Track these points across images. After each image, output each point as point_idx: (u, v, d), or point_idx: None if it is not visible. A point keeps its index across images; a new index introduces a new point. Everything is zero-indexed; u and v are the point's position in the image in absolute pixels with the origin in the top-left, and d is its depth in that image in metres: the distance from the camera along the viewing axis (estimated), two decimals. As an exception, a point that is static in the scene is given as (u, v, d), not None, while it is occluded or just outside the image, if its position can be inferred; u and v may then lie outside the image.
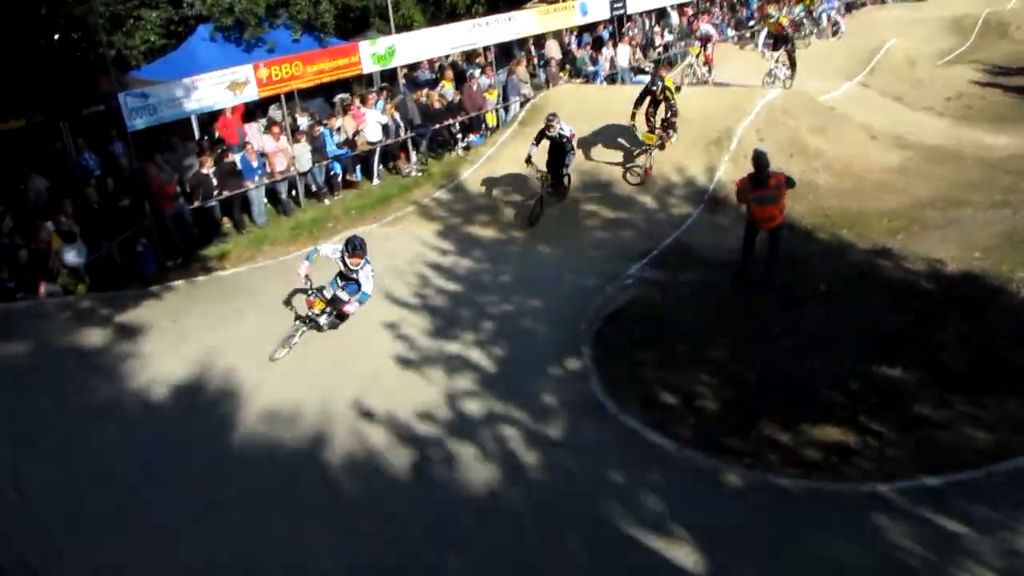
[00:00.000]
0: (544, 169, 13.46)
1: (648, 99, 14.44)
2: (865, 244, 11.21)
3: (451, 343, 9.81)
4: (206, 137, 14.23)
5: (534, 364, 9.32)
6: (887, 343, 8.78)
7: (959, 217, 11.90)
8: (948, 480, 6.95)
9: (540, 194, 13.59)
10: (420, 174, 16.08)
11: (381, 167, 16.06)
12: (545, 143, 13.43)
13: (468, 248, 12.60)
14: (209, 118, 14.53)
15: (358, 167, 15.74)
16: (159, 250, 12.25)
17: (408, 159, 16.41)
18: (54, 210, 10.77)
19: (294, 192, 14.65)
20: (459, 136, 17.34)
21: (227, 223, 13.55)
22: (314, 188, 14.82)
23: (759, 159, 10.48)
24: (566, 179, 13.82)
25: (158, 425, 7.80)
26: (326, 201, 14.76)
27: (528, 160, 13.36)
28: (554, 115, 13.39)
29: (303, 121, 15.02)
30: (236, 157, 13.56)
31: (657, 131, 14.42)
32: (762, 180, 10.40)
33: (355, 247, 9.32)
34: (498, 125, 17.92)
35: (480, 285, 11.50)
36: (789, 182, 10.56)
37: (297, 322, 9.56)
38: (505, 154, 15.84)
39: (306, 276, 9.32)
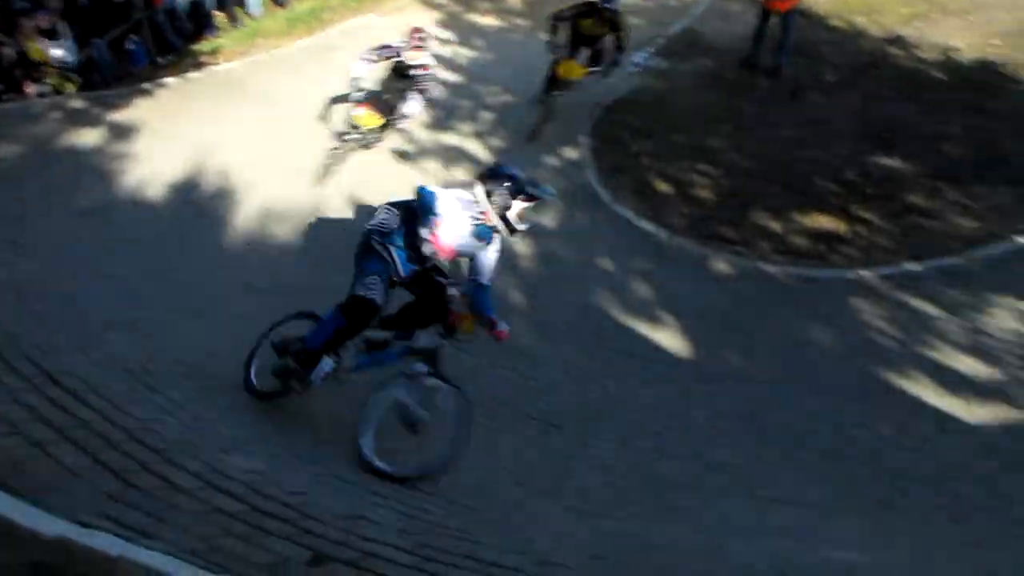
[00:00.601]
0: (362, 112, 8.71)
1: (569, 26, 9.55)
2: (879, 32, 10.79)
3: (448, 134, 9.76)
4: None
5: (532, 154, 9.28)
6: (889, 133, 8.68)
7: (986, 1, 11.33)
8: (929, 266, 7.14)
9: (335, 151, 8.87)
10: (421, -39, 15.28)
11: (381, -47, 15.28)
12: (385, 65, 9.01)
13: (469, 37, 12.22)
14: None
15: (357, -48, 14.98)
16: (151, 47, 11.92)
17: (409, -57, 15.54)
18: (38, 6, 10.42)
19: (291, -20, 14.05)
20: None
21: (220, 16, 13.10)
22: (312, -25, 14.19)
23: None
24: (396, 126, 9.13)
25: (153, 224, 7.77)
26: (324, -11, 14.16)
27: (348, 97, 8.73)
28: (423, 34, 9.00)
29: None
30: (228, -57, 12.93)
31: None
32: None
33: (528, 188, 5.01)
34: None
35: (481, 75, 11.25)
36: None
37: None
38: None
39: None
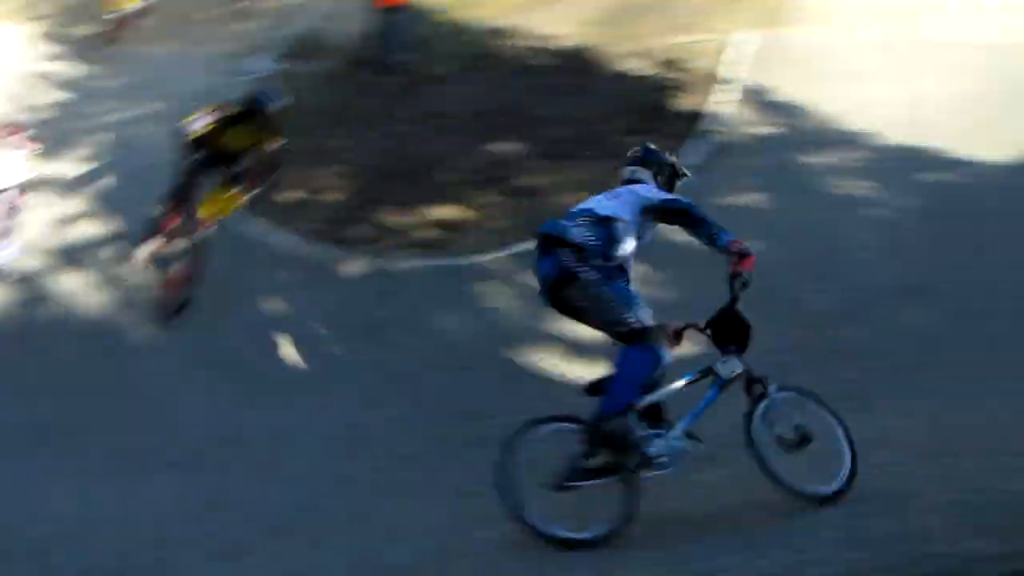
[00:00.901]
0: None
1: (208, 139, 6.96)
2: (483, 24, 11.43)
3: (58, 162, 8.90)
4: None
5: (155, 174, 8.58)
6: (498, 120, 9.25)
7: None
8: (541, 241, 7.69)
9: None
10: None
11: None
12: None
13: (72, 52, 11.24)
14: None
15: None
16: None
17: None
18: None
19: None
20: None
21: None
22: None
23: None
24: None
25: None
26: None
27: None
28: (22, 135, 6.93)
29: None
30: None
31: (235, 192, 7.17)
32: None
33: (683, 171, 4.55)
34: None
35: (90, 93, 10.45)
36: None
37: None
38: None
39: None
